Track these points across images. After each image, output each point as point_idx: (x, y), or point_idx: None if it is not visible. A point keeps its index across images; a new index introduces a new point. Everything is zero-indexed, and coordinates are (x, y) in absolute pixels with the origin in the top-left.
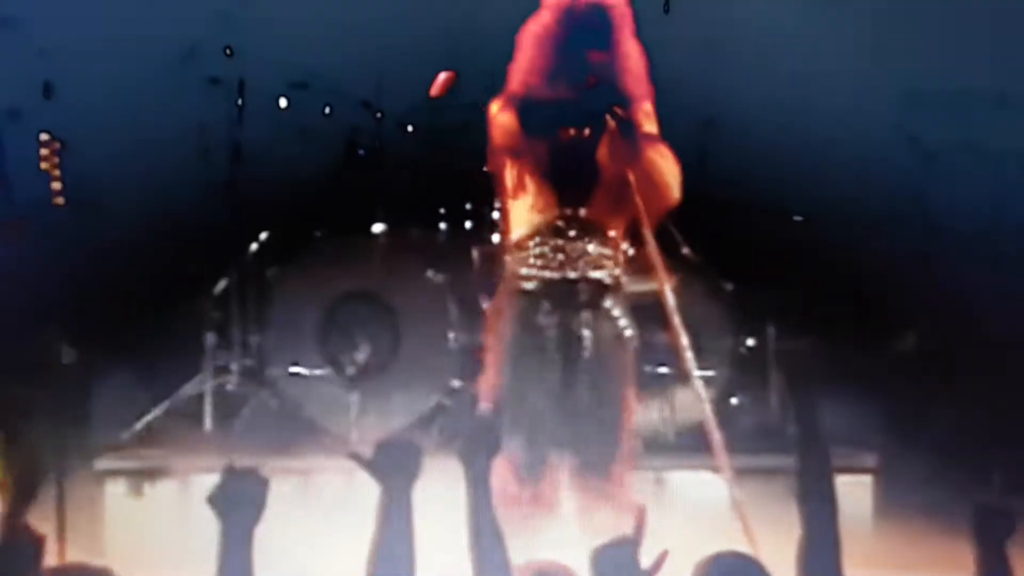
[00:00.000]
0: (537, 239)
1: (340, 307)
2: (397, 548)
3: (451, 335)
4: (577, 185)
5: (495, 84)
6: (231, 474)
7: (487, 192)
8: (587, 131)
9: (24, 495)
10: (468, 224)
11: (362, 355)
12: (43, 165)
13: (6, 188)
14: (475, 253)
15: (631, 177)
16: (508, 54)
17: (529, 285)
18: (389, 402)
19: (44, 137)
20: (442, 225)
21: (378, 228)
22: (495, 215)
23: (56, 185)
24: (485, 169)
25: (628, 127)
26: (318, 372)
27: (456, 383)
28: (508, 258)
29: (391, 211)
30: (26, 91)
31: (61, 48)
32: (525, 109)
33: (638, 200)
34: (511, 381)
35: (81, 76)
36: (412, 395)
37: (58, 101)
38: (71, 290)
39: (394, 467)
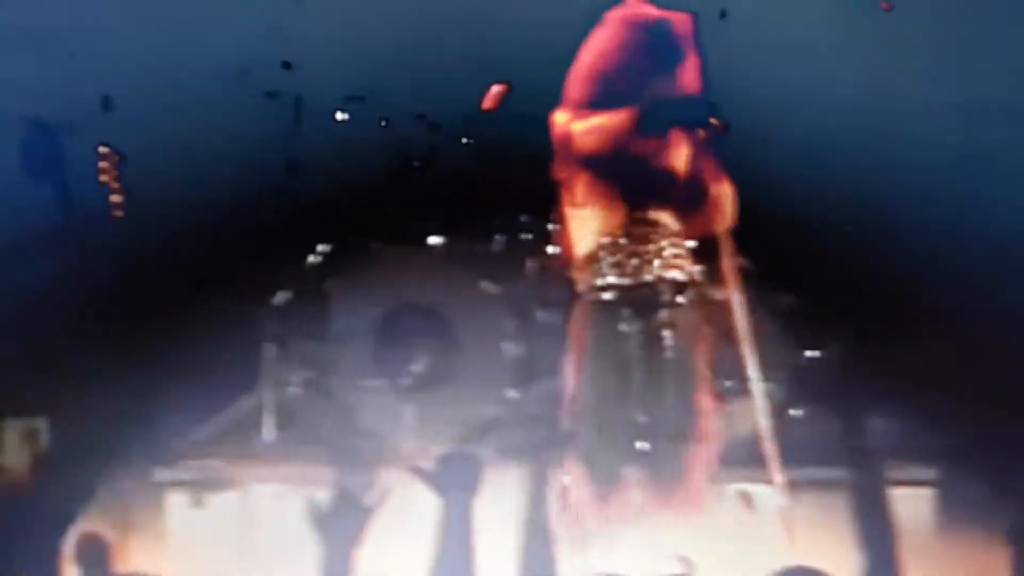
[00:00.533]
0: (608, 248)
1: (396, 318)
2: (457, 560)
3: (506, 346)
4: (646, 190)
5: (549, 96)
6: (340, 493)
7: (543, 204)
8: (657, 139)
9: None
10: (523, 236)
11: (418, 366)
12: (102, 177)
13: (65, 200)
14: (530, 265)
15: (714, 190)
16: (562, 66)
17: (607, 295)
18: (445, 413)
19: (103, 150)
20: (497, 237)
21: (434, 240)
22: (551, 226)
23: (115, 198)
24: (552, 177)
25: (720, 141)
26: (374, 383)
27: (512, 394)
28: (579, 274)
29: (446, 223)
30: (84, 104)
31: (119, 61)
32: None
33: (719, 213)
34: (597, 393)
35: (139, 89)
36: (468, 406)
37: (116, 114)
38: (130, 301)
39: (455, 482)
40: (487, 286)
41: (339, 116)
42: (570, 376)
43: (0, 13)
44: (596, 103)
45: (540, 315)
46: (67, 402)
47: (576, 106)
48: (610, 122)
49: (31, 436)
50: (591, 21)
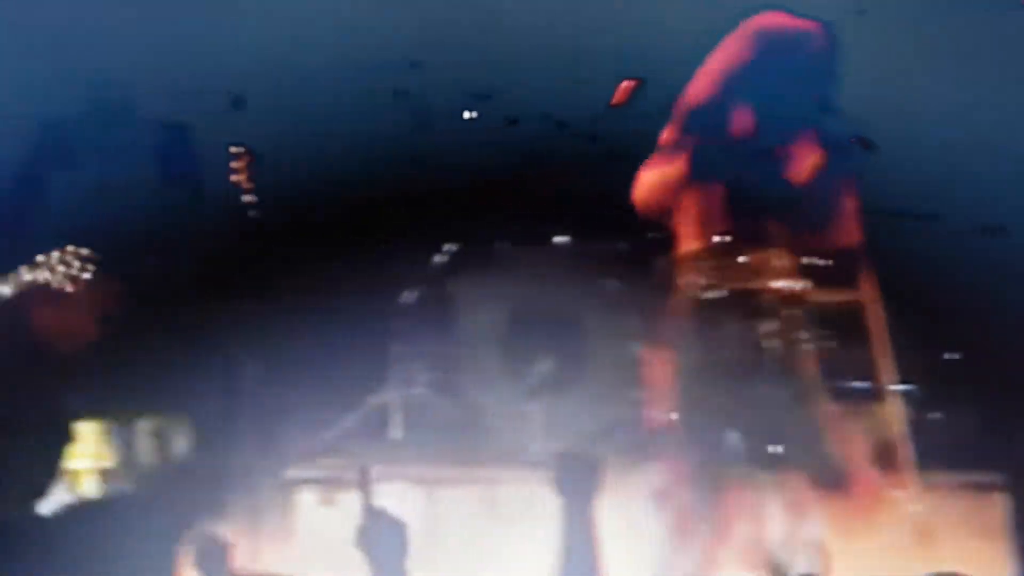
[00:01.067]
0: (717, 249)
1: (522, 318)
2: (579, 563)
3: (634, 347)
4: (762, 201)
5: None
6: (373, 515)
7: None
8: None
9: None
10: (651, 234)
11: (544, 366)
12: (234, 177)
13: (200, 200)
14: (658, 263)
15: (844, 203)
16: (694, 61)
17: (709, 295)
18: (570, 414)
19: (235, 149)
20: (624, 235)
21: (560, 239)
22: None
23: (247, 197)
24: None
25: (859, 156)
26: (500, 383)
27: (638, 395)
28: (685, 267)
29: (573, 221)
30: (216, 103)
31: (248, 60)
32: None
33: (848, 225)
34: (689, 396)
35: (269, 89)
36: (593, 407)
37: (246, 113)
38: (259, 300)
39: (572, 483)
40: (614, 285)
41: (466, 115)
42: (661, 373)
43: (132, 15)
44: (716, 110)
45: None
46: (195, 401)
47: (685, 116)
48: (662, 176)
49: (158, 435)
50: (726, 23)
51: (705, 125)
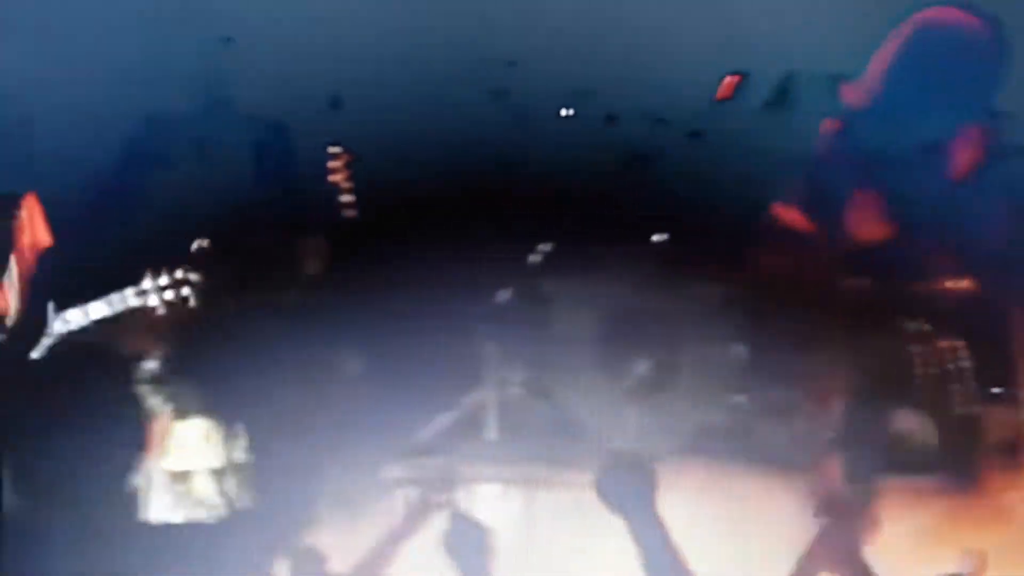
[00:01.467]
0: (865, 249)
1: (618, 318)
2: (658, 569)
3: (733, 348)
4: (916, 201)
5: (781, 86)
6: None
7: (771, 198)
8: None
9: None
10: (751, 232)
11: (641, 368)
12: (332, 177)
13: (297, 199)
14: (759, 262)
15: (1005, 203)
16: (798, 54)
17: (854, 295)
18: (669, 416)
19: (333, 149)
20: (724, 233)
21: (658, 238)
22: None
23: (346, 198)
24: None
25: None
26: (596, 384)
27: (738, 398)
28: (828, 267)
29: (672, 220)
30: (314, 103)
31: (344, 60)
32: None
33: (1006, 225)
34: (857, 396)
35: (367, 88)
36: (692, 409)
37: (344, 113)
38: (353, 300)
39: (622, 497)
40: (713, 286)
41: (563, 112)
42: (827, 378)
43: (233, 14)
44: (878, 107)
45: (771, 316)
46: (289, 402)
47: (846, 113)
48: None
49: (252, 437)
50: (829, 14)
51: (865, 122)
